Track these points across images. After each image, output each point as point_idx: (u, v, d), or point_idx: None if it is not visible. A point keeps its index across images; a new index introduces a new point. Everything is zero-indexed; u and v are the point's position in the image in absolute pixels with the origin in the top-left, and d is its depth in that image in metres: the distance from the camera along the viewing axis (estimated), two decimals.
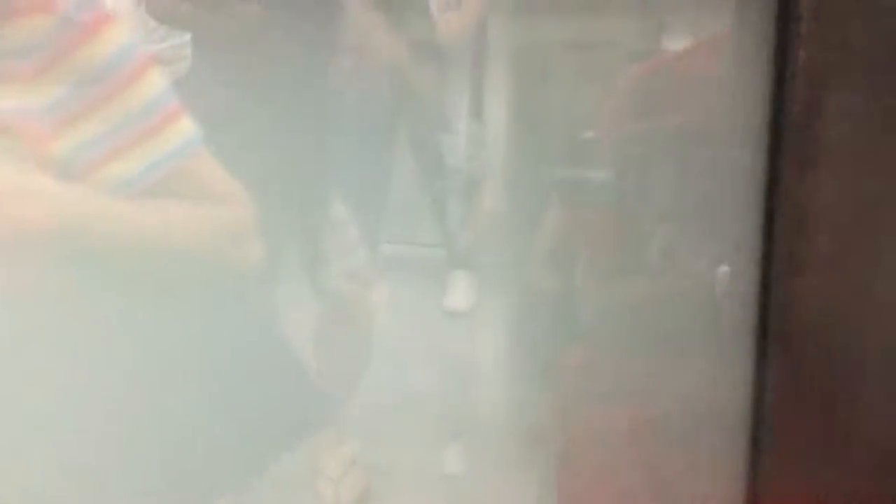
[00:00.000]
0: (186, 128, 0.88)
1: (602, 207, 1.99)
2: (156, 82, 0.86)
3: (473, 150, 2.85)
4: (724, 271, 1.49)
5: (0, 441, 0.78)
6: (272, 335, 0.93)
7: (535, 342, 2.11)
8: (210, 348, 0.84)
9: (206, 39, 1.48)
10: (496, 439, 2.13)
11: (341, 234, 1.69)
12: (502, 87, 2.99)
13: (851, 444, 1.03)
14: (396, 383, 2.30)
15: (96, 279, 0.77)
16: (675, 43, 2.70)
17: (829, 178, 1.33)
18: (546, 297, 2.16)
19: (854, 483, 1.01)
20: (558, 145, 2.51)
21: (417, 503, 1.98)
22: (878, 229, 1.12)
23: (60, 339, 0.78)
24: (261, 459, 0.88)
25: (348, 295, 1.73)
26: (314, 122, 1.56)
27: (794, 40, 1.13)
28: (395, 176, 2.91)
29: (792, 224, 1.33)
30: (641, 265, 1.61)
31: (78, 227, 0.75)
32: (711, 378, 1.33)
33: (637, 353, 1.41)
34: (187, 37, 1.57)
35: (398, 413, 2.20)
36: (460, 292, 2.85)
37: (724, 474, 1.25)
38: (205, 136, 0.97)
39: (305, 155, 1.55)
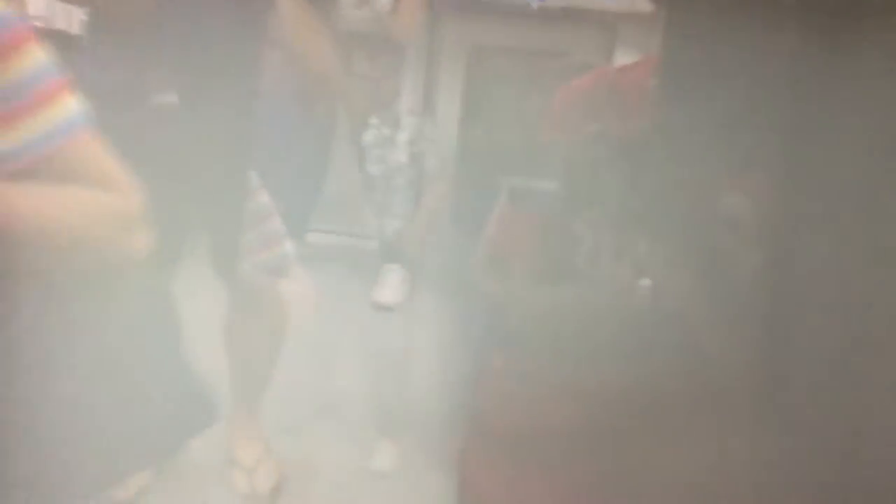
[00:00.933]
0: (70, 106, 0.80)
1: (544, 212, 1.99)
2: (35, 56, 0.78)
3: (421, 145, 2.81)
4: (645, 284, 1.49)
5: None
6: (158, 330, 0.88)
7: (465, 342, 2.10)
8: (92, 338, 0.80)
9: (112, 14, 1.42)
10: (424, 438, 2.12)
11: (264, 224, 1.64)
12: (455, 86, 2.98)
13: None
14: (319, 374, 2.27)
15: None
16: (627, 56, 2.72)
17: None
18: (480, 298, 2.15)
19: None
20: (508, 149, 2.51)
21: (336, 496, 1.96)
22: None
23: None
24: (143, 455, 0.84)
25: (263, 287, 1.67)
26: (238, 109, 1.51)
27: None
28: (333, 166, 2.86)
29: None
30: (568, 273, 1.60)
31: None
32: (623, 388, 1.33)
33: (557, 358, 1.40)
34: None
35: (319, 406, 2.17)
36: (391, 287, 2.81)
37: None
38: (109, 114, 0.90)
39: (224, 142, 1.48)
